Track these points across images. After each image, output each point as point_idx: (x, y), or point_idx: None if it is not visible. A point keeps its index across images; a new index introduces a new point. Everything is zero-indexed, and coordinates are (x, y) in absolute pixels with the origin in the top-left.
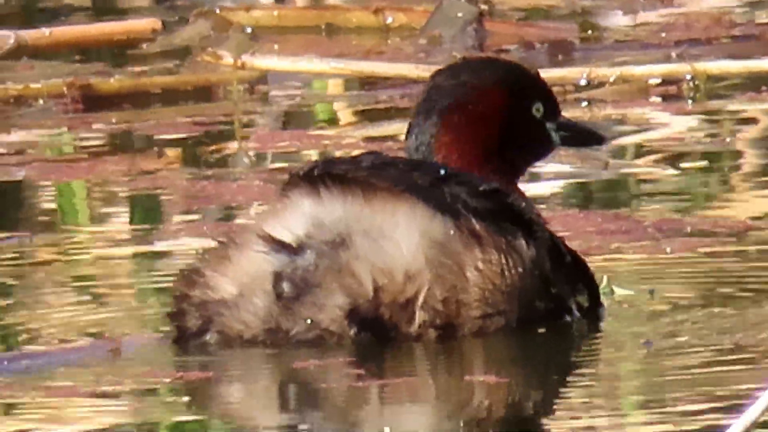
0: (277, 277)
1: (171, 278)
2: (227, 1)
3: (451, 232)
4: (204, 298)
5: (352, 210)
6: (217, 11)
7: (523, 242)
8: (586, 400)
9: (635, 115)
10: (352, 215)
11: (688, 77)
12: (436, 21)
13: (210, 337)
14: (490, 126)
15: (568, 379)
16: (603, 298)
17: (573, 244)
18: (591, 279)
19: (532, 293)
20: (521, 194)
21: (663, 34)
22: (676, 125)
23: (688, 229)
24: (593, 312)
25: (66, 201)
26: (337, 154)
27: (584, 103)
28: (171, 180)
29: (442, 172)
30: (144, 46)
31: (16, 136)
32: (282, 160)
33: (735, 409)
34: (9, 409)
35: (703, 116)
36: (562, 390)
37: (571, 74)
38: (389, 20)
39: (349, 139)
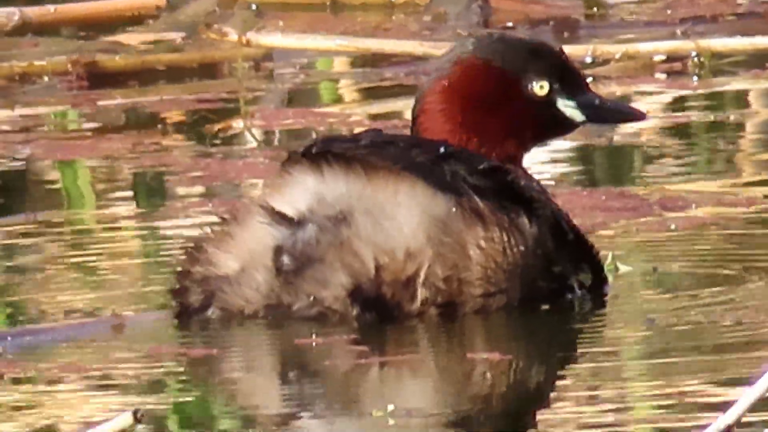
0: (278, 251)
1: (175, 255)
2: None
3: (453, 209)
4: (206, 274)
5: (354, 188)
6: None
7: (525, 220)
8: (590, 376)
9: (640, 92)
10: (354, 193)
11: (693, 54)
12: None
13: (212, 312)
14: (469, 103)
15: (572, 355)
16: (607, 275)
17: (577, 222)
18: (594, 256)
19: (534, 272)
20: (525, 172)
21: (668, 12)
22: (680, 102)
23: (693, 206)
24: (597, 289)
25: (70, 178)
26: (343, 131)
27: (589, 80)
28: (176, 157)
29: (442, 150)
30: (149, 22)
31: (21, 114)
32: (287, 137)
33: (739, 386)
34: (13, 384)
35: (708, 93)
36: (566, 367)
37: (577, 51)
38: None
39: (354, 116)
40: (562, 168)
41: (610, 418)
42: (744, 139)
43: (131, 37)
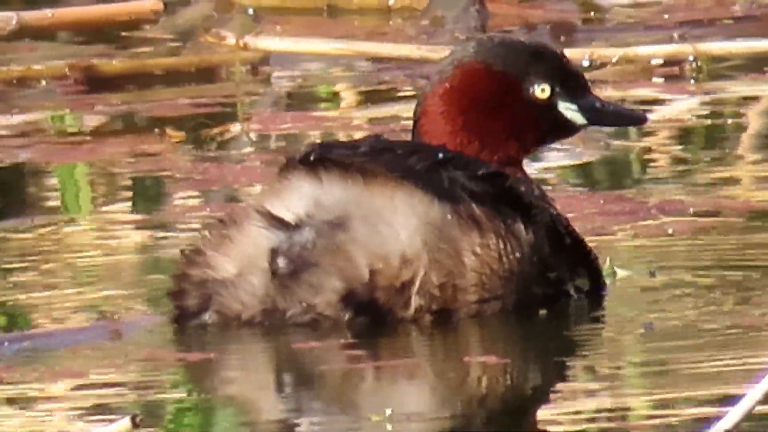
0: (274, 254)
1: (173, 259)
2: None
3: (449, 216)
4: (203, 278)
5: (351, 194)
6: None
7: (521, 226)
8: (587, 380)
9: (638, 96)
10: (351, 199)
11: (691, 58)
12: (439, 2)
13: (208, 316)
14: (470, 106)
15: (570, 359)
16: (605, 280)
17: (575, 226)
18: (593, 261)
19: (529, 278)
20: (525, 176)
21: (665, 15)
22: (678, 106)
23: (691, 210)
24: (595, 294)
25: (68, 182)
26: (340, 135)
27: None
28: (173, 161)
29: (440, 156)
30: (146, 27)
31: (18, 118)
32: (284, 141)
33: (738, 392)
34: (10, 389)
35: (705, 97)
36: (564, 370)
37: (574, 55)
38: (391, 1)
39: (352, 120)
40: (560, 171)
41: (607, 422)
42: (741, 142)
43: (129, 42)
